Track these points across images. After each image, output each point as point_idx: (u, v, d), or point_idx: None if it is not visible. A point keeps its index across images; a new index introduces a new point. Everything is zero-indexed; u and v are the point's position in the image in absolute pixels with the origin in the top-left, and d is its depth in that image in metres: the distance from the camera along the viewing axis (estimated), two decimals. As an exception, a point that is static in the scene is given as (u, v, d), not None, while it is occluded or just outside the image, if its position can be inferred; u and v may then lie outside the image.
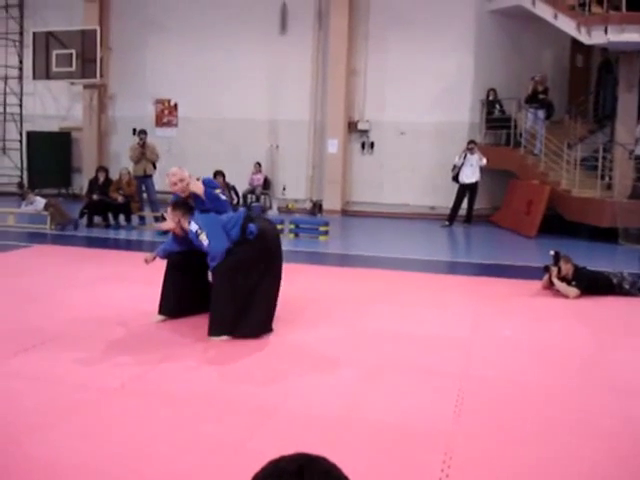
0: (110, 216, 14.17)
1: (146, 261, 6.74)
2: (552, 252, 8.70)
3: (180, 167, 6.53)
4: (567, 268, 8.47)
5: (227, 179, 14.64)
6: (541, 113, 16.11)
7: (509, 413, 4.62)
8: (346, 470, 1.52)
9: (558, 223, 14.26)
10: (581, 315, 7.59)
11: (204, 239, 6.09)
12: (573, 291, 8.30)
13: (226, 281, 6.01)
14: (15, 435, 4.00)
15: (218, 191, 6.46)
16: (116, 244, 12.66)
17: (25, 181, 19.76)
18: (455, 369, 5.49)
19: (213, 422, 4.31)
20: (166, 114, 19.36)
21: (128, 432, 4.13)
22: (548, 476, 3.81)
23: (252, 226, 6.13)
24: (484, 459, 3.94)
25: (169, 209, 6.46)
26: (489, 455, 3.99)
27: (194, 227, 6.17)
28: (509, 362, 5.73)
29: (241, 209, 6.88)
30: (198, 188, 6.32)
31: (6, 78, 20.62)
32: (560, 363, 5.76)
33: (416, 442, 4.11)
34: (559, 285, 8.40)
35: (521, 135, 16.25)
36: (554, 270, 8.50)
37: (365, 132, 17.88)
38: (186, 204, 6.40)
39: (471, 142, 15.82)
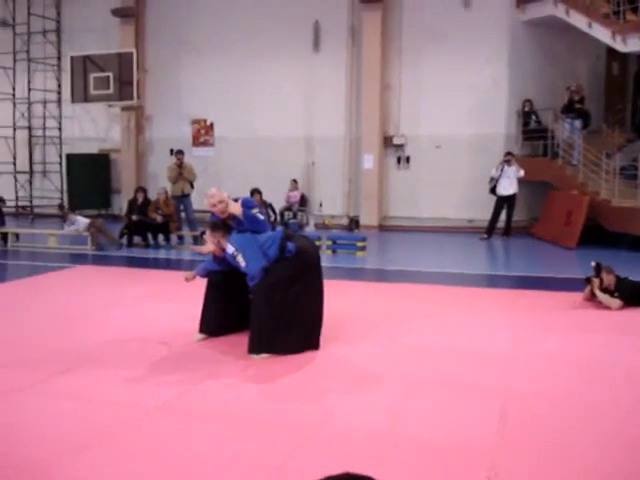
0: (149, 236, 14.31)
1: (186, 279, 6.78)
2: (593, 263, 8.57)
3: (219, 188, 6.57)
4: (609, 279, 8.35)
5: (264, 197, 14.71)
6: (578, 123, 15.98)
7: (554, 428, 4.54)
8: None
9: (598, 233, 14.08)
10: (624, 327, 7.46)
11: (241, 260, 6.13)
12: (616, 302, 8.17)
13: (265, 299, 6.02)
14: (59, 455, 4.04)
15: (256, 210, 6.46)
16: (156, 263, 12.78)
17: (65, 203, 20.06)
18: (498, 384, 5.42)
19: (255, 440, 4.30)
20: (202, 134, 19.54)
21: (170, 451, 4.15)
22: (596, 492, 3.75)
23: (290, 244, 6.14)
24: (529, 476, 3.88)
25: (208, 231, 6.50)
26: (534, 472, 3.92)
27: (230, 249, 6.22)
28: (552, 376, 5.64)
29: (279, 228, 6.88)
30: (236, 210, 6.34)
31: (45, 102, 21.02)
32: (605, 376, 5.66)
33: (460, 459, 4.06)
34: (601, 296, 8.28)
35: (558, 145, 16.13)
36: (596, 281, 8.37)
37: (401, 146, 17.87)
38: (225, 225, 6.43)
39: (508, 154, 15.73)
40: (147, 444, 4.24)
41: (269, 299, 6.01)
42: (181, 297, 8.40)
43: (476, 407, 4.90)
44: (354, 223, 17.85)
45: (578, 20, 15.53)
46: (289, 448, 4.19)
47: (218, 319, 6.69)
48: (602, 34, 15.09)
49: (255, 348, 6.06)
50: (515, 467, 3.96)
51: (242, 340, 6.30)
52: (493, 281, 10.98)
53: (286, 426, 4.54)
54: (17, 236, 14.79)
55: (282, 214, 17.66)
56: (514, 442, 4.31)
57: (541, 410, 4.89)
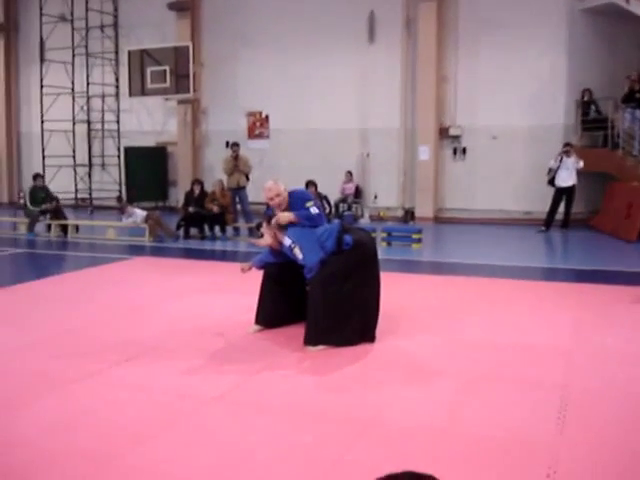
0: (206, 227, 14.44)
1: (242, 270, 6.80)
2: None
3: (275, 181, 6.57)
4: (673, 273, 8.15)
5: (319, 189, 14.70)
6: (639, 112, 15.59)
7: (615, 425, 4.45)
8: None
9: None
10: (689, 322, 7.27)
11: (298, 253, 6.14)
12: (680, 297, 7.99)
13: (322, 291, 6.01)
14: (120, 446, 4.10)
15: (310, 203, 6.43)
16: (212, 255, 12.89)
17: (123, 195, 20.37)
18: (557, 379, 5.33)
19: (310, 433, 4.30)
20: (258, 126, 19.63)
21: (228, 442, 4.17)
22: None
23: (348, 237, 6.12)
24: (590, 473, 3.81)
25: (264, 224, 6.52)
26: (595, 469, 3.85)
27: (287, 242, 6.23)
28: (613, 372, 5.52)
29: (335, 221, 6.86)
30: (290, 219, 6.33)
31: (103, 96, 21.36)
32: (669, 372, 5.53)
33: (519, 455, 3.99)
34: (664, 291, 8.10)
35: (619, 136, 15.78)
36: (659, 275, 8.19)
37: (457, 138, 17.71)
38: None
39: (567, 144, 15.46)
40: (204, 435, 4.27)
41: (326, 291, 6.00)
42: (237, 288, 8.45)
43: (535, 403, 4.82)
44: (409, 215, 17.74)
45: (638, 7, 15.16)
46: (345, 442, 4.17)
47: (274, 311, 6.72)
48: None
49: (311, 340, 6.06)
50: (575, 464, 3.89)
51: (298, 332, 6.31)
52: (552, 274, 10.81)
53: (342, 419, 4.52)
54: (77, 228, 15.08)
55: (337, 206, 17.64)
56: (574, 438, 4.23)
57: (602, 406, 4.79)
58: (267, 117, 19.57)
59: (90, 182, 21.27)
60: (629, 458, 3.98)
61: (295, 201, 6.48)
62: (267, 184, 6.51)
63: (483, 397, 4.96)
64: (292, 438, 4.22)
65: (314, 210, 6.40)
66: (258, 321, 6.74)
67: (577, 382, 5.28)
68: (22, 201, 16.07)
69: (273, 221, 6.42)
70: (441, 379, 5.34)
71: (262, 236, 6.68)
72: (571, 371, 5.57)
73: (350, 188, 18.07)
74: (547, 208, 15.56)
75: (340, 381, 5.32)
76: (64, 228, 14.84)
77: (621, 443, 4.18)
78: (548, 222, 15.45)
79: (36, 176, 15.73)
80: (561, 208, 15.58)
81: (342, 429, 4.36)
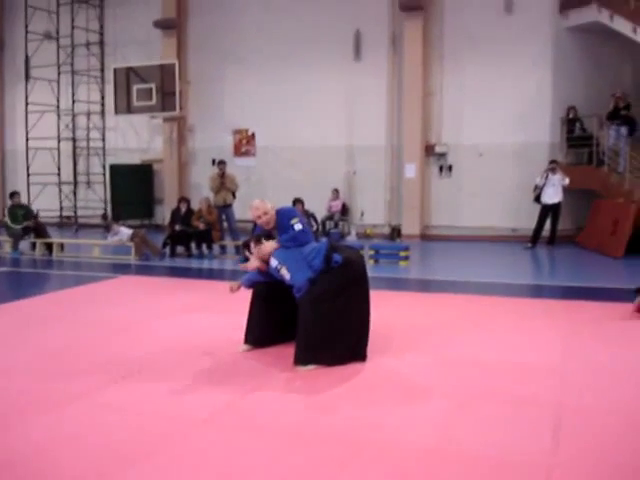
0: (192, 246, 14.37)
1: (231, 290, 6.73)
2: (644, 273, 8.40)
3: (262, 199, 6.53)
4: (661, 290, 8.16)
5: (306, 206, 14.68)
6: (624, 130, 15.70)
7: (611, 444, 4.41)
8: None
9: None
10: (678, 339, 7.27)
11: (285, 273, 6.09)
12: (668, 314, 7.98)
13: (311, 310, 5.96)
14: (107, 469, 4.01)
15: (295, 220, 6.39)
16: (199, 273, 12.82)
17: (109, 213, 20.28)
18: (550, 398, 5.29)
19: (303, 455, 4.24)
20: (244, 144, 19.62)
21: (219, 465, 4.10)
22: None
23: (337, 256, 6.08)
24: (587, 493, 3.77)
25: (252, 244, 6.46)
26: (592, 489, 3.82)
27: (274, 263, 6.19)
28: (607, 390, 5.49)
29: (323, 239, 6.81)
30: (271, 249, 6.29)
31: (89, 113, 21.31)
32: (661, 390, 5.51)
33: (514, 475, 3.95)
34: (653, 307, 8.10)
35: (604, 153, 15.89)
36: (647, 292, 8.20)
37: (443, 155, 17.76)
38: (269, 237, 6.40)
39: (553, 162, 15.54)
40: (195, 458, 4.21)
41: (315, 310, 5.95)
42: (225, 307, 8.39)
43: (528, 422, 4.78)
44: (396, 232, 17.74)
45: (623, 25, 15.30)
46: (339, 463, 4.12)
47: (263, 330, 6.65)
48: (648, 39, 14.86)
49: (301, 359, 6.01)
50: (572, 485, 3.85)
51: (287, 351, 6.26)
52: (539, 291, 10.81)
53: (335, 440, 4.47)
54: (62, 246, 14.97)
55: (324, 223, 17.63)
56: (570, 457, 4.19)
57: (596, 424, 4.76)
58: (253, 134, 19.56)
59: (75, 200, 21.16)
60: (627, 477, 3.93)
61: (282, 219, 6.44)
62: (254, 203, 6.47)
63: (475, 416, 4.92)
64: (285, 460, 4.16)
65: (298, 227, 6.34)
66: (247, 340, 6.68)
67: (570, 400, 5.25)
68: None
69: (255, 253, 6.38)
70: (433, 398, 5.29)
71: (248, 260, 6.62)
72: (564, 388, 5.54)
73: (337, 205, 18.08)
74: (533, 225, 15.61)
75: (332, 401, 5.26)
76: (49, 246, 14.73)
77: (618, 462, 4.14)
78: (534, 239, 15.50)
79: (12, 194, 15.61)
80: (547, 225, 15.63)
81: (335, 450, 4.30)
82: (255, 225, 6.71)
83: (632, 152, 15.21)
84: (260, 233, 6.51)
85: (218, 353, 6.55)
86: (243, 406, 5.15)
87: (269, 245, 6.32)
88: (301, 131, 18.71)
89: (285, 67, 18.75)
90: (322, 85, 18.46)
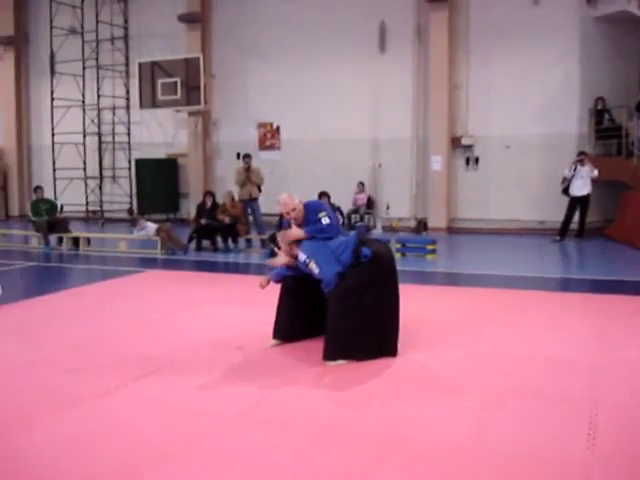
0: (218, 239, 14.35)
1: (261, 286, 6.67)
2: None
3: (290, 194, 6.46)
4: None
5: (332, 200, 14.60)
6: (653, 120, 15.49)
7: (649, 442, 4.33)
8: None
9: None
10: None
11: (314, 267, 6.02)
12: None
13: (341, 305, 5.90)
14: (137, 466, 3.98)
15: (323, 214, 6.32)
16: (225, 267, 12.79)
17: (135, 207, 20.34)
18: (584, 393, 5.20)
19: (334, 452, 4.18)
20: (269, 137, 19.57)
21: (250, 462, 4.05)
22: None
23: (366, 250, 6.00)
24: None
25: (279, 238, 6.41)
26: (631, 488, 3.73)
27: (302, 257, 6.12)
28: (642, 385, 5.40)
29: (352, 233, 6.72)
30: (297, 236, 6.25)
31: (114, 108, 21.34)
32: (698, 386, 5.39)
33: (551, 473, 3.87)
34: (687, 301, 7.96)
35: (633, 144, 15.66)
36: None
37: (469, 147, 17.60)
38: None
39: (581, 153, 15.33)
40: (226, 454, 4.17)
41: (345, 305, 5.89)
42: (252, 301, 8.34)
43: (563, 418, 4.70)
44: (422, 225, 17.61)
45: (652, 15, 15.08)
46: (370, 461, 4.05)
47: (292, 325, 6.60)
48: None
49: (331, 355, 5.95)
50: (610, 483, 3.76)
51: (316, 346, 6.20)
52: (569, 285, 10.67)
53: (366, 437, 4.40)
54: (88, 241, 15.00)
55: (349, 217, 17.56)
56: (607, 455, 4.10)
57: (632, 421, 4.66)
58: (278, 128, 19.51)
59: (101, 194, 21.19)
60: (665, 477, 3.85)
61: (310, 213, 6.38)
62: (282, 198, 6.39)
63: (509, 412, 4.84)
64: (316, 457, 4.11)
65: (325, 220, 6.28)
66: (276, 335, 6.63)
67: (605, 396, 5.15)
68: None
69: (280, 236, 6.34)
70: (464, 394, 5.22)
71: (275, 254, 6.56)
72: (598, 384, 5.44)
73: (362, 199, 17.99)
74: (561, 217, 15.41)
75: (362, 397, 5.20)
76: (76, 241, 14.78)
77: (655, 461, 4.05)
78: (563, 231, 15.30)
79: (36, 189, 15.86)
80: (575, 217, 15.43)
81: (366, 447, 4.24)
82: (281, 219, 6.65)
83: (662, 143, 15.01)
84: (287, 227, 6.46)
85: (247, 348, 6.51)
86: (273, 401, 5.10)
87: (295, 230, 6.27)
88: (326, 124, 18.61)
89: (309, 59, 18.66)
90: (347, 77, 18.35)
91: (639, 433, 4.45)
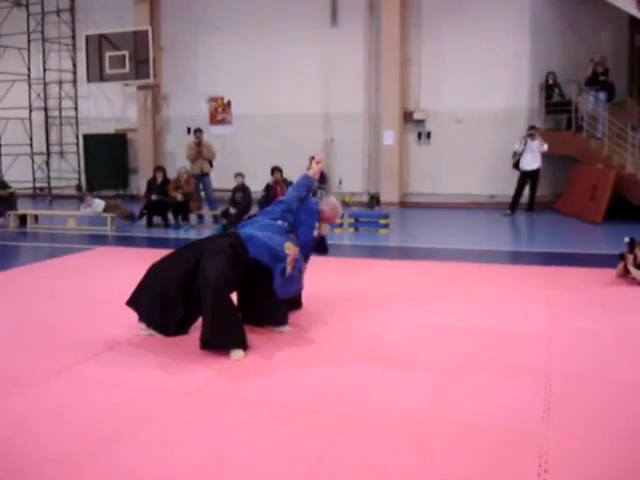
0: (169, 215, 14.17)
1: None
2: (627, 239, 8.37)
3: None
4: (644, 255, 8.13)
5: (284, 174, 14.51)
6: (602, 95, 15.66)
7: (602, 411, 4.37)
8: (437, 475, 1.33)
9: (623, 208, 13.82)
10: (662, 304, 7.26)
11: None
12: (651, 279, 7.97)
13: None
14: (95, 446, 3.89)
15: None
16: (177, 244, 12.60)
17: (83, 183, 19.99)
18: (539, 365, 5.25)
19: (292, 427, 4.15)
20: (220, 112, 19.35)
21: (206, 439, 4.00)
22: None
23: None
24: (581, 460, 3.71)
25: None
26: (586, 456, 3.76)
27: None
28: (594, 356, 5.46)
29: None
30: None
31: (60, 82, 20.88)
32: (648, 356, 5.48)
33: (508, 444, 3.89)
34: (635, 273, 8.08)
35: (582, 119, 15.83)
36: (630, 257, 8.17)
37: (421, 122, 17.63)
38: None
39: (531, 128, 15.47)
40: (182, 432, 4.10)
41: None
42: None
43: (519, 390, 4.73)
44: (375, 200, 17.62)
45: (602, -11, 15.19)
46: (329, 435, 4.03)
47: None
48: (627, 4, 14.75)
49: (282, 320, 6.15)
50: (566, 452, 3.79)
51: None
52: (520, 258, 10.79)
53: (324, 411, 4.38)
54: (36, 218, 14.68)
55: (302, 192, 17.46)
56: (563, 426, 4.14)
57: (587, 391, 4.71)
58: (229, 102, 19.28)
59: (48, 171, 20.76)
60: (619, 444, 3.89)
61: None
62: (335, 204, 7.02)
63: (465, 384, 4.86)
64: (274, 433, 4.07)
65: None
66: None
67: (559, 367, 5.20)
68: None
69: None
70: (421, 367, 5.23)
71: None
72: (551, 356, 5.49)
73: (314, 174, 17.89)
74: (512, 191, 15.57)
75: (318, 373, 5.16)
76: (23, 218, 14.45)
77: (610, 428, 4.10)
78: (513, 205, 15.46)
79: None
80: (526, 191, 15.60)
81: (324, 422, 4.22)
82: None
83: (611, 118, 15.17)
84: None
85: (198, 325, 6.41)
86: (227, 379, 5.04)
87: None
88: (278, 98, 18.45)
89: (260, 33, 18.41)
90: (298, 51, 18.18)
91: (593, 403, 4.50)
